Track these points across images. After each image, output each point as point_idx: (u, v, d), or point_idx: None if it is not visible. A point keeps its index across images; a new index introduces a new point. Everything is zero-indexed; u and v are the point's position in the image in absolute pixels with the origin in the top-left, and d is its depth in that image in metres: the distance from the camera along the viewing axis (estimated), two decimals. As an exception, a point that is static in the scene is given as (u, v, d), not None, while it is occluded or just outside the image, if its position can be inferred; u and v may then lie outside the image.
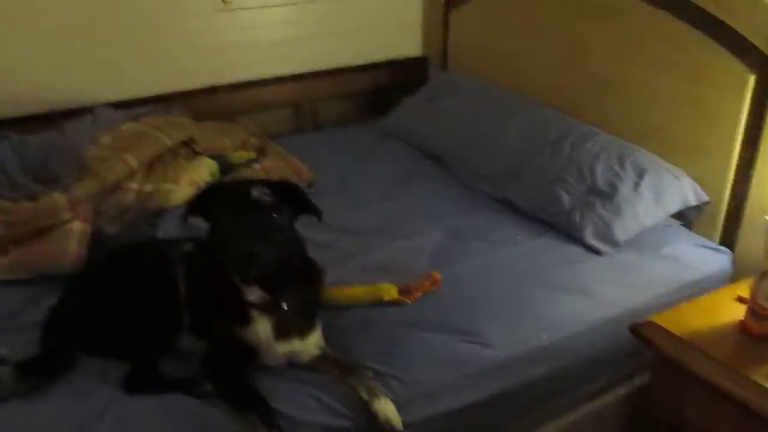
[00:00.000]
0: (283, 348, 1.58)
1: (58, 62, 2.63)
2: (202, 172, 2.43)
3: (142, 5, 2.73)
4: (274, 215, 1.49)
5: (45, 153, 2.24)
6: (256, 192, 1.50)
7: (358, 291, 1.85)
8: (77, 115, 2.50)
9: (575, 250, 2.10)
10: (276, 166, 2.57)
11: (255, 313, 1.54)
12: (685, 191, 2.15)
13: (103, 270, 1.83)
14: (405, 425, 1.52)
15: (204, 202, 1.59)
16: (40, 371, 1.58)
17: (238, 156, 2.60)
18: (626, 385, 2.03)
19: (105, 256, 1.93)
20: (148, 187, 2.25)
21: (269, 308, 1.54)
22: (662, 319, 1.66)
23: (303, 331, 1.61)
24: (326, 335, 1.69)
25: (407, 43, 3.45)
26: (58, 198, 2.04)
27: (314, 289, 1.66)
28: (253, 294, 1.52)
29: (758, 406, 1.44)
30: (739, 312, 1.67)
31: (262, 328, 1.55)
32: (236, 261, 1.44)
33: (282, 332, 1.57)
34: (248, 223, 1.45)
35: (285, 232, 1.53)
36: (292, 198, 1.57)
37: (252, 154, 2.65)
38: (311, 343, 1.63)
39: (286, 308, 1.55)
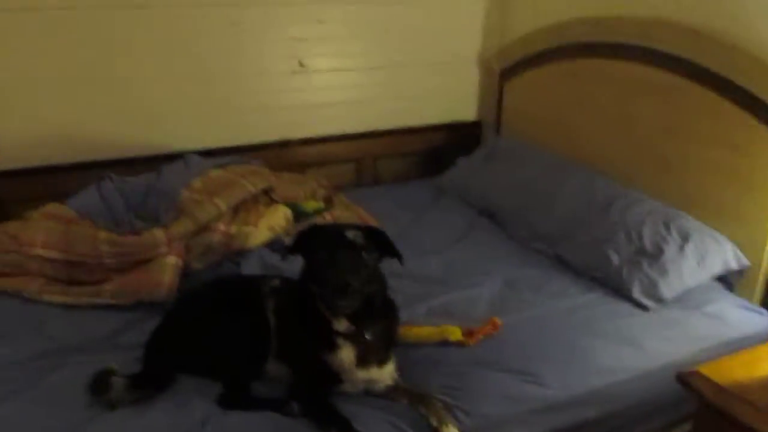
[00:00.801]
0: (362, 374, 1.76)
1: (152, 114, 2.96)
2: (279, 218, 2.66)
3: (229, 67, 3.05)
4: (364, 254, 1.70)
5: (144, 192, 2.50)
6: (350, 234, 1.71)
7: (425, 331, 2.03)
8: (168, 160, 2.77)
9: (623, 305, 2.27)
10: (344, 215, 2.79)
11: (341, 341, 1.73)
12: (726, 255, 2.31)
13: (201, 299, 2.03)
14: (469, 452, 1.69)
15: (303, 241, 1.80)
16: (146, 384, 1.78)
17: (310, 205, 2.84)
18: (671, 433, 2.16)
19: (201, 286, 2.14)
20: (233, 229, 2.48)
21: (354, 338, 1.73)
22: (706, 370, 1.80)
23: (381, 361, 1.79)
24: (399, 368, 1.86)
25: (463, 108, 3.71)
26: (158, 234, 2.28)
27: (392, 324, 1.85)
28: (342, 325, 1.71)
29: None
30: (778, 366, 1.82)
31: (346, 354, 1.73)
32: (332, 291, 1.63)
33: (363, 360, 1.75)
34: (343, 259, 1.65)
35: (372, 270, 1.74)
36: (378, 241, 1.77)
37: (321, 204, 2.89)
38: (387, 373, 1.81)
39: (369, 339, 1.74)
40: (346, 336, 1.73)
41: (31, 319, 2.14)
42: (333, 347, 1.73)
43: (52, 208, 2.42)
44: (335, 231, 1.76)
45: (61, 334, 2.06)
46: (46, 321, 2.13)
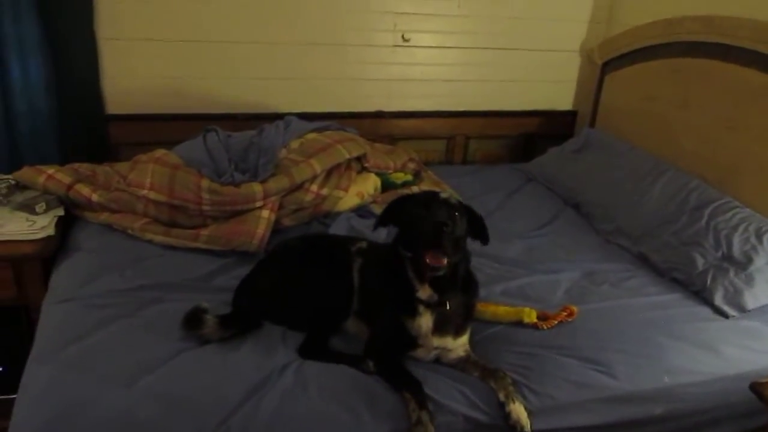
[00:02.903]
0: (437, 342, 1.82)
1: (257, 76, 3.12)
2: (368, 185, 2.75)
3: (333, 36, 3.15)
4: (457, 214, 1.75)
5: (246, 148, 2.62)
6: (444, 194, 1.78)
7: (502, 310, 2.08)
8: (271, 119, 2.89)
9: (703, 310, 2.25)
10: (431, 190, 2.85)
11: (422, 309, 1.79)
12: (817, 272, 2.26)
13: (292, 252, 2.14)
14: (532, 429, 1.73)
15: (395, 209, 1.87)
16: (235, 325, 1.91)
17: (398, 177, 2.91)
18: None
19: (293, 240, 2.25)
20: (325, 191, 2.58)
21: (434, 306, 1.80)
22: (782, 382, 1.79)
23: (457, 332, 1.85)
24: (472, 343, 1.93)
25: (561, 97, 3.71)
26: (256, 188, 2.41)
27: (471, 299, 1.90)
28: (425, 293, 1.78)
29: None
30: None
31: (425, 321, 1.80)
32: (428, 232, 1.66)
33: (440, 328, 1.81)
34: (438, 211, 1.71)
35: (460, 238, 1.78)
36: (468, 216, 1.83)
37: (410, 177, 2.96)
38: (460, 344, 1.87)
39: (448, 308, 1.80)
40: (428, 303, 1.79)
41: (134, 254, 2.30)
42: (413, 313, 1.80)
43: (160, 153, 2.57)
44: (429, 193, 1.84)
45: (159, 271, 2.21)
46: (146, 258, 2.29)
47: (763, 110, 2.56)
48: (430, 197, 1.79)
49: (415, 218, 1.74)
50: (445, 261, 1.68)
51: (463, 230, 1.78)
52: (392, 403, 1.70)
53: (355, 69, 3.24)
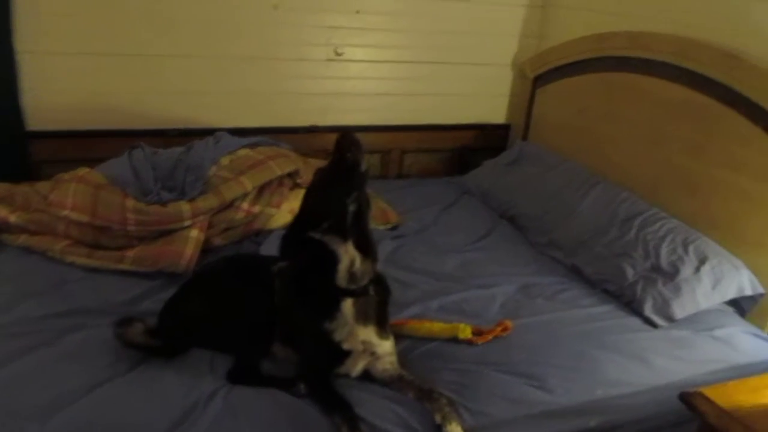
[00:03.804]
0: (363, 334, 1.78)
1: (187, 90, 3.03)
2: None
3: (266, 49, 3.10)
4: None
5: (173, 165, 2.55)
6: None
7: (437, 326, 2.06)
8: (202, 135, 2.83)
9: (633, 321, 2.28)
10: (365, 205, 2.82)
11: (343, 301, 1.75)
12: (742, 281, 2.32)
13: (214, 274, 2.08)
14: (470, 449, 1.71)
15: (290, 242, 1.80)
16: (161, 335, 1.88)
17: (332, 192, 2.87)
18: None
19: (217, 262, 2.19)
20: (256, 209, 2.53)
21: (355, 290, 1.76)
22: (711, 392, 1.80)
23: (380, 322, 1.82)
24: (406, 361, 1.90)
25: (494, 111, 3.74)
26: (184, 207, 2.34)
27: (385, 293, 1.88)
28: (347, 252, 1.71)
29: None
30: (783, 396, 1.82)
31: (347, 308, 1.76)
32: (344, 168, 1.65)
33: (363, 316, 1.78)
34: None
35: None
36: None
37: (344, 192, 2.92)
38: (387, 349, 1.84)
39: (372, 292, 1.78)
40: (349, 292, 1.75)
41: (54, 278, 2.20)
42: (336, 309, 1.76)
43: (83, 172, 2.48)
44: None
45: (81, 296, 2.12)
46: (67, 282, 2.19)
47: (686, 124, 2.63)
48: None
49: (319, 179, 1.75)
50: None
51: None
52: (325, 427, 1.66)
53: (288, 83, 3.20)
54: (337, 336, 1.77)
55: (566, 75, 3.30)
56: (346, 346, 1.79)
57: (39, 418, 1.57)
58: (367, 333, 1.80)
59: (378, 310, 1.84)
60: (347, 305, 1.76)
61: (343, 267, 1.74)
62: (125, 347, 1.83)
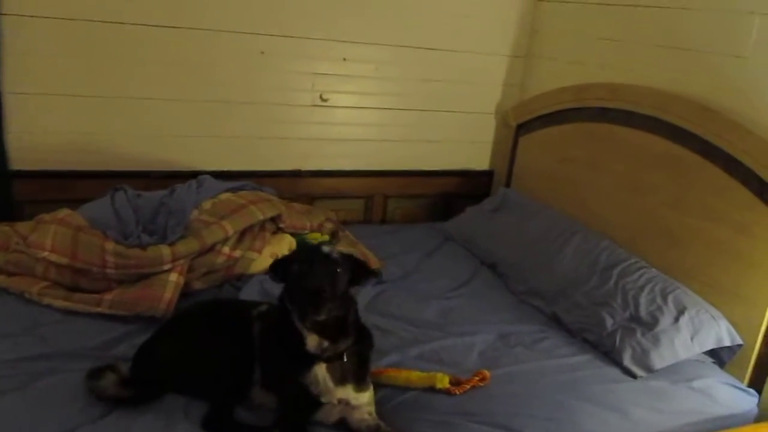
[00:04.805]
0: (340, 393, 1.77)
1: (170, 133, 3.05)
2: (283, 247, 2.70)
3: (251, 93, 3.13)
4: (339, 270, 1.73)
5: (155, 208, 2.54)
6: (326, 248, 1.76)
7: (414, 376, 2.04)
8: (186, 178, 2.83)
9: (612, 371, 2.27)
10: (347, 251, 2.82)
11: (316, 362, 1.75)
12: (721, 332, 2.32)
13: (191, 319, 2.06)
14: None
15: (282, 264, 1.82)
16: (135, 386, 1.84)
17: (314, 237, 2.88)
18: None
19: (193, 306, 2.18)
20: (237, 253, 2.52)
21: (328, 358, 1.75)
22: (690, 444, 1.82)
23: (358, 382, 1.80)
24: (384, 411, 1.89)
25: (477, 157, 3.78)
26: (164, 250, 2.33)
27: (366, 348, 1.87)
28: (313, 341, 1.73)
29: None
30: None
31: (320, 372, 1.75)
32: (306, 297, 1.65)
33: (339, 379, 1.77)
34: (318, 269, 1.69)
35: (345, 286, 1.76)
36: (354, 267, 1.81)
37: (326, 237, 2.93)
38: (365, 401, 1.83)
39: (345, 360, 1.77)
40: (321, 355, 1.74)
41: (29, 320, 2.17)
42: (309, 365, 1.75)
43: (64, 213, 2.47)
44: (311, 247, 1.80)
45: (55, 339, 2.09)
46: (43, 324, 2.16)
47: (665, 175, 2.67)
48: (312, 252, 1.77)
49: (296, 276, 1.72)
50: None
51: (344, 284, 1.75)
52: (300, 478, 1.64)
53: (273, 128, 3.22)
54: (313, 390, 1.76)
55: (549, 124, 3.35)
56: (323, 399, 1.77)
57: (5, 467, 1.54)
58: (345, 391, 1.79)
59: (357, 367, 1.82)
60: (320, 369, 1.76)
61: (310, 343, 1.74)
62: (98, 400, 1.80)
